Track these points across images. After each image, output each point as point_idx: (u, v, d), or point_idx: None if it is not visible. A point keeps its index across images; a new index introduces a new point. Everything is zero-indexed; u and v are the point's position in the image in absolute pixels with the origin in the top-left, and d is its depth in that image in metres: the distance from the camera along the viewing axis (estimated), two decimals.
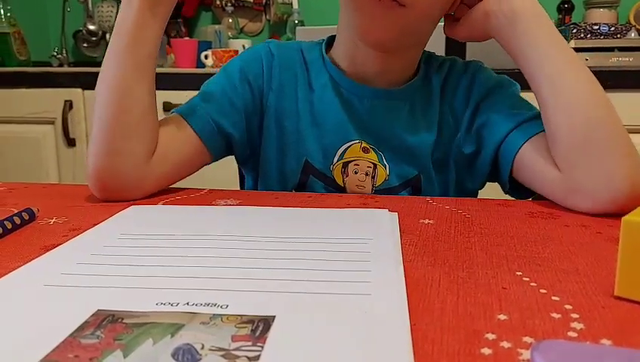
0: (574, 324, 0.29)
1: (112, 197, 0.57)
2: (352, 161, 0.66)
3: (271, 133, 0.68)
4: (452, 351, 0.27)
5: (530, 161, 0.58)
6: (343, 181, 0.67)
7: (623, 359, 0.22)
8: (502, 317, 0.30)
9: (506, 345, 0.27)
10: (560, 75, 0.55)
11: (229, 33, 2.06)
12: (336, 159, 0.66)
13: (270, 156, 0.69)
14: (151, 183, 0.59)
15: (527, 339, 0.28)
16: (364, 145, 0.66)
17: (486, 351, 0.27)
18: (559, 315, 0.30)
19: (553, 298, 0.33)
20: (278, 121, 0.68)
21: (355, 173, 0.66)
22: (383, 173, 0.66)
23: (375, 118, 0.66)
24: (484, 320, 0.30)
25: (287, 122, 0.68)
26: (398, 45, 0.63)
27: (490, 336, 0.28)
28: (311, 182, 0.68)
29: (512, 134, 0.60)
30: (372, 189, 0.67)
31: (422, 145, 0.66)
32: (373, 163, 0.66)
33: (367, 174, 0.66)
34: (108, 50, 0.59)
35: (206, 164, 0.67)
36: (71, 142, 1.68)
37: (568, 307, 0.31)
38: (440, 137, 0.67)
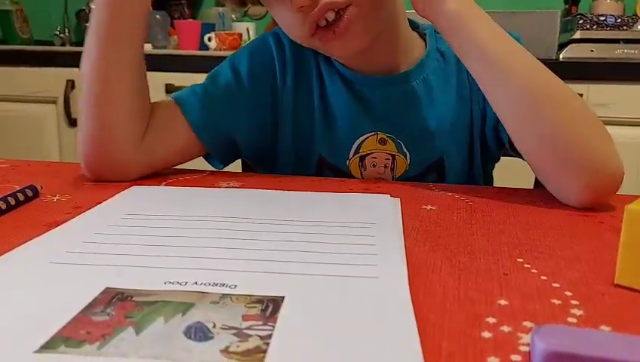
0: (574, 310, 0.30)
1: (102, 179, 0.57)
2: (369, 154, 0.64)
3: (286, 131, 0.66)
4: (453, 333, 0.27)
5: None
6: (361, 175, 0.65)
7: (622, 345, 0.23)
8: (502, 302, 0.30)
9: (506, 329, 0.27)
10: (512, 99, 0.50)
11: (233, 16, 2.04)
12: (351, 154, 0.65)
13: (285, 153, 0.67)
14: (139, 170, 0.59)
15: (528, 324, 0.28)
16: (380, 136, 0.64)
17: (486, 334, 0.27)
18: (559, 301, 0.31)
19: (554, 284, 0.33)
20: (293, 117, 0.66)
21: (373, 166, 0.65)
22: (402, 163, 0.64)
23: (390, 106, 0.64)
24: (485, 304, 0.30)
25: (301, 118, 0.66)
26: (374, 37, 0.59)
27: (491, 320, 0.28)
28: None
29: None
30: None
31: (442, 124, 0.64)
32: (391, 154, 0.64)
33: (385, 166, 0.64)
34: (86, 43, 0.57)
35: (200, 155, 0.65)
36: (72, 122, 1.67)
37: (568, 293, 0.32)
38: (461, 111, 0.64)
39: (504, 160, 0.69)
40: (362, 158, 0.65)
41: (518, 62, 0.51)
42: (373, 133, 0.64)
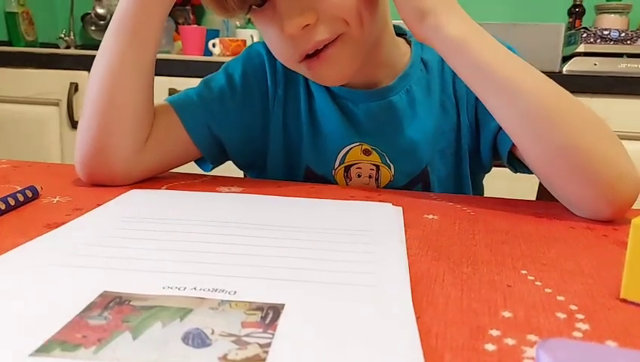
0: (579, 324, 0.29)
1: (98, 183, 0.57)
2: (353, 164, 0.65)
3: (277, 140, 0.67)
4: (456, 345, 0.26)
5: (522, 158, 0.57)
6: (347, 185, 0.65)
7: (630, 360, 0.22)
8: (506, 314, 0.30)
9: (510, 342, 0.27)
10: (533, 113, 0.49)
11: (237, 22, 2.05)
12: (337, 164, 0.65)
13: (275, 162, 0.67)
14: (138, 174, 0.58)
15: (532, 337, 0.27)
16: (364, 147, 0.64)
17: (490, 346, 0.26)
18: (564, 315, 0.30)
19: (558, 297, 0.32)
20: (284, 127, 0.66)
21: (359, 176, 0.65)
22: (387, 173, 0.65)
23: (373, 120, 0.64)
24: (488, 316, 0.30)
25: (290, 128, 0.66)
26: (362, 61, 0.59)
27: (495, 333, 0.28)
28: None
29: None
30: None
31: (425, 135, 0.64)
32: (375, 165, 0.64)
33: (370, 177, 0.65)
34: (104, 41, 0.57)
35: (196, 158, 0.66)
36: (75, 125, 1.67)
37: (573, 307, 0.31)
38: (444, 120, 0.64)
39: (506, 171, 0.69)
40: (347, 168, 0.65)
41: (526, 78, 0.50)
42: (357, 143, 0.64)
